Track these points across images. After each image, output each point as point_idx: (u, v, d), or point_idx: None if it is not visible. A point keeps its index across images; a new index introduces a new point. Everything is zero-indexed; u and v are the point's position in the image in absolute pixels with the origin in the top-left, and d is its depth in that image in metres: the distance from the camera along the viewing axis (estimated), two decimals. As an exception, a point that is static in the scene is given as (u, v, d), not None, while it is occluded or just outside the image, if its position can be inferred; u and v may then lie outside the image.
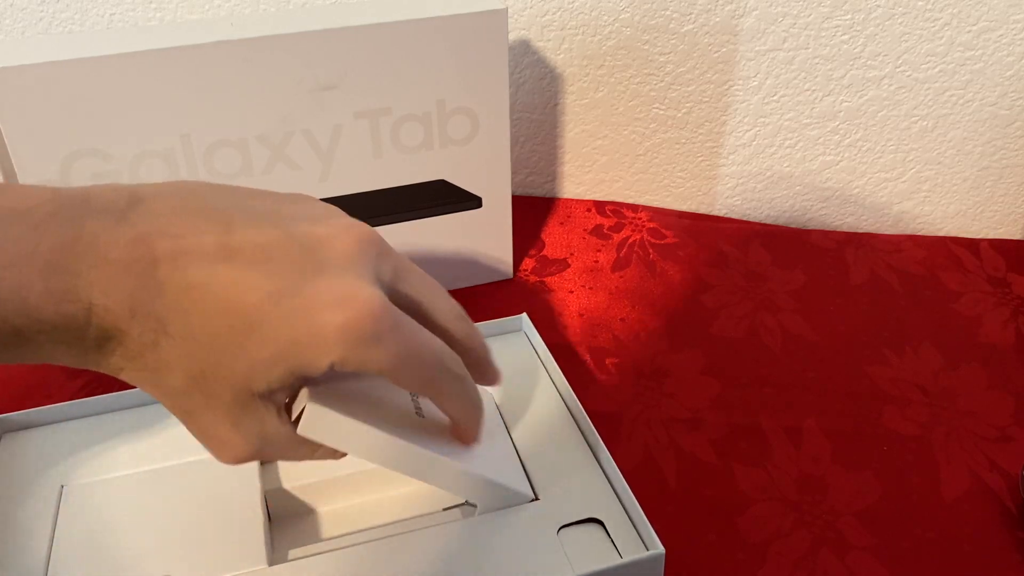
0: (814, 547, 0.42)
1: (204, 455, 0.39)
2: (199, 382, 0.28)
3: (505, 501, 0.37)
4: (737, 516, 0.44)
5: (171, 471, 0.40)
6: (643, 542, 0.36)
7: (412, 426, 0.34)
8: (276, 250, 0.28)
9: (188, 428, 0.30)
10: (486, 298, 0.59)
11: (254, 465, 0.39)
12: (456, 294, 0.61)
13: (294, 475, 0.39)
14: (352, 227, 0.30)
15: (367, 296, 0.28)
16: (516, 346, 0.49)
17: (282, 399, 0.30)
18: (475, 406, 0.34)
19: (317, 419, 0.31)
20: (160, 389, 0.29)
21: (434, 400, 0.32)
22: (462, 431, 0.35)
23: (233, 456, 0.30)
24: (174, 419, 0.41)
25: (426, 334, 0.30)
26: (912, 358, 0.54)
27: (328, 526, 0.39)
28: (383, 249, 0.31)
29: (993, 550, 0.42)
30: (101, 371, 0.29)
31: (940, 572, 0.41)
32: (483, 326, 0.49)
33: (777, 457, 0.47)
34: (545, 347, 0.47)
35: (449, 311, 0.33)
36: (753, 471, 0.46)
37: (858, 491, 0.45)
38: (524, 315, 0.50)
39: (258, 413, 0.29)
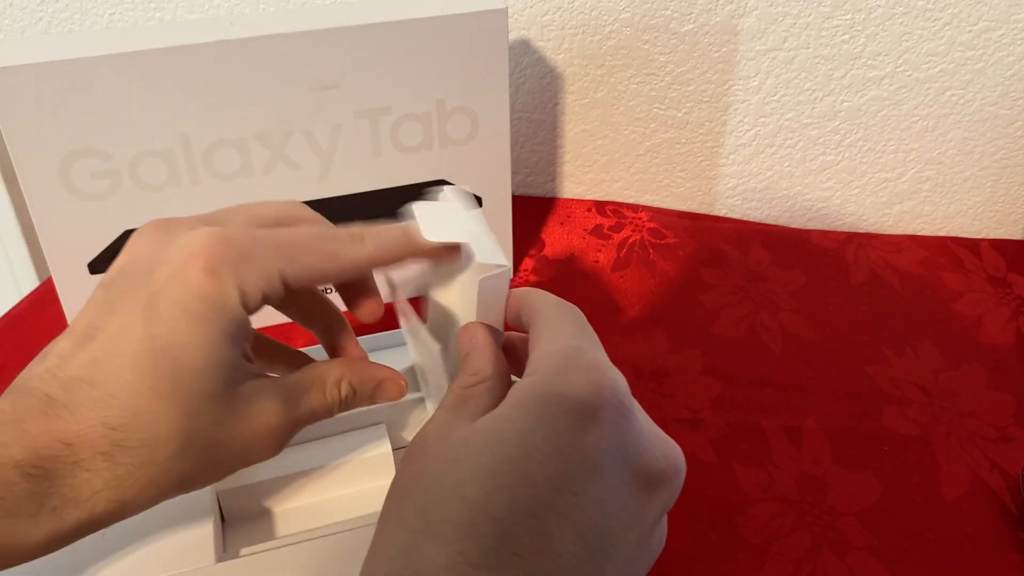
0: (814, 547, 0.42)
1: None
2: (187, 421, 0.26)
3: None
4: (737, 516, 0.44)
5: None
6: None
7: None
8: (113, 284, 0.28)
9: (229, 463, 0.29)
10: (486, 298, 0.59)
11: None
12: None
13: (247, 474, 0.39)
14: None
15: (207, 233, 0.27)
16: None
17: (249, 369, 0.29)
18: (392, 237, 0.31)
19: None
20: (161, 472, 0.27)
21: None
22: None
23: (278, 444, 0.29)
24: None
25: (282, 231, 0.29)
26: (912, 358, 0.54)
27: (283, 525, 0.38)
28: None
29: (993, 550, 0.42)
30: (69, 526, 0.26)
31: (940, 572, 0.41)
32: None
33: (777, 457, 0.47)
34: None
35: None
36: (753, 471, 0.46)
37: (858, 491, 0.45)
38: None
39: (251, 390, 0.28)
